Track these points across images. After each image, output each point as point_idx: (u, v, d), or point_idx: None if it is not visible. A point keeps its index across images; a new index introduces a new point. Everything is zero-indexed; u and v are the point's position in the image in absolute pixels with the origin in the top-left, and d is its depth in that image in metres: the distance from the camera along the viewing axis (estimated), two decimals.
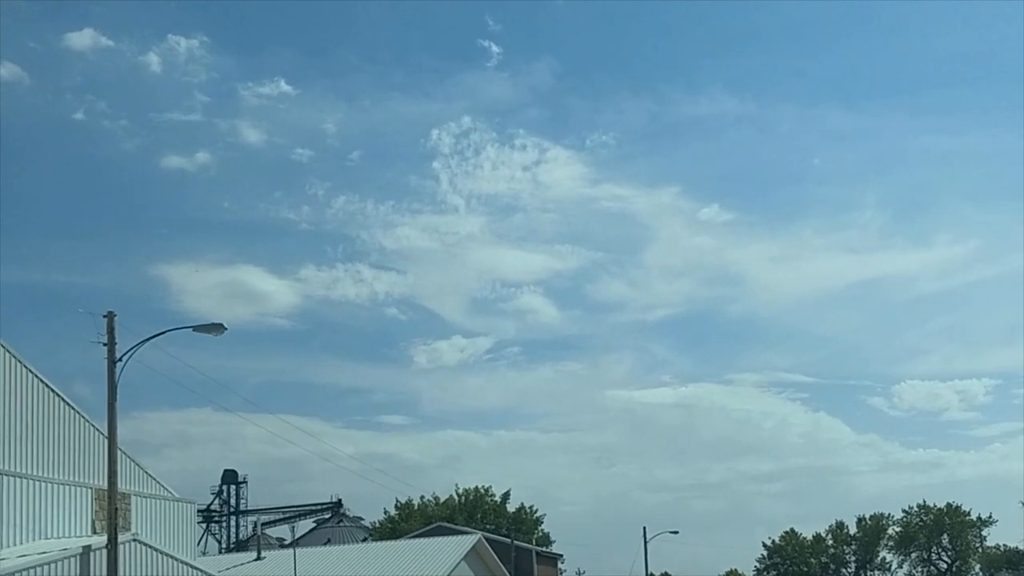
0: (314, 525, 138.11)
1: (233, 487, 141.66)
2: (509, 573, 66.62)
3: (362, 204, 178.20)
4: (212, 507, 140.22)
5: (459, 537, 56.62)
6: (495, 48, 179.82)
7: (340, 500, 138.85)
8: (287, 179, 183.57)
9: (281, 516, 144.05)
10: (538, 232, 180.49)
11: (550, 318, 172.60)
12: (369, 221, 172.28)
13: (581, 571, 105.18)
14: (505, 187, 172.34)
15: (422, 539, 60.45)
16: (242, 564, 50.70)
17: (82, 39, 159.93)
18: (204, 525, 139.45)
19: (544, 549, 76.96)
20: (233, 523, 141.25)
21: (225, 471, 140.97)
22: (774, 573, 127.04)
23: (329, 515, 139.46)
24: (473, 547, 55.07)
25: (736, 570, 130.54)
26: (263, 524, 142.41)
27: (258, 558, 51.76)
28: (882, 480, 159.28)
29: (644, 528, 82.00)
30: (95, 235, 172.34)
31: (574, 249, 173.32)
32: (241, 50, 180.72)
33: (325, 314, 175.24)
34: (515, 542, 68.09)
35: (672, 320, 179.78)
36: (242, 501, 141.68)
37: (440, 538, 58.04)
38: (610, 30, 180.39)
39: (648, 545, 76.61)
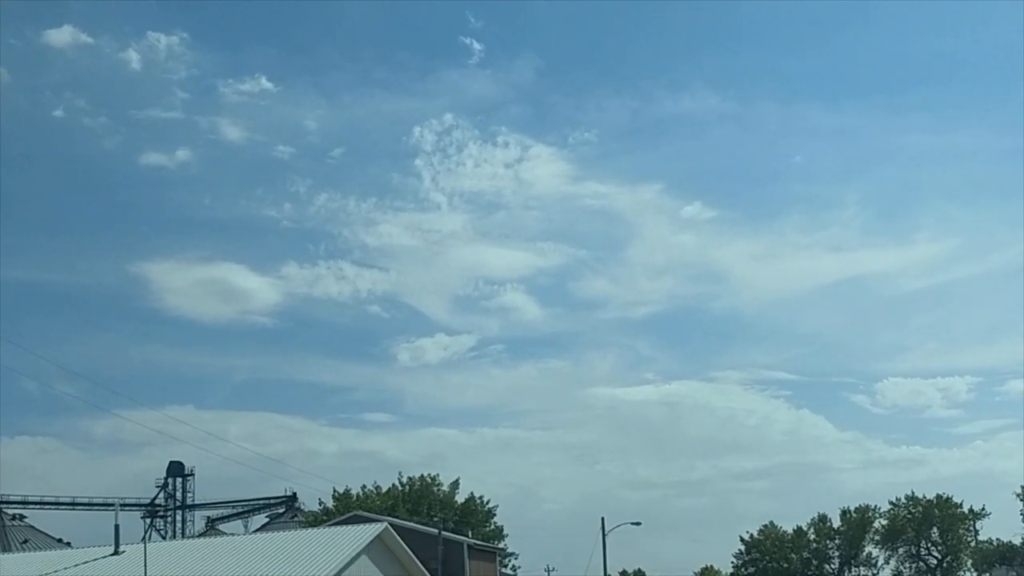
0: (267, 520, 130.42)
1: (179, 480, 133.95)
2: (436, 568, 58.61)
3: (344, 201, 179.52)
4: (156, 501, 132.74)
5: (362, 526, 48.65)
6: (477, 45, 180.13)
7: (295, 494, 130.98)
8: (268, 176, 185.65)
9: (233, 511, 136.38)
10: (521, 230, 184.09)
11: (533, 316, 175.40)
12: (351, 218, 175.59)
13: (550, 568, 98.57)
14: (487, 184, 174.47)
15: (321, 529, 52.66)
16: (93, 560, 42.64)
17: (62, 36, 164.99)
18: (148, 520, 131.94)
19: (480, 543, 68.78)
20: (179, 518, 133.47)
21: (171, 463, 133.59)
22: (752, 569, 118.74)
23: (283, 509, 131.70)
24: (378, 537, 46.98)
25: (712, 566, 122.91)
26: (214, 519, 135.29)
27: (115, 553, 43.67)
28: (865, 477, 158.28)
29: (603, 519, 76.51)
30: (75, 233, 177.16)
31: (557, 246, 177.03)
32: (221, 47, 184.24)
33: (307, 312, 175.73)
34: (443, 534, 59.96)
35: (655, 317, 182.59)
36: (189, 495, 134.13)
37: (341, 528, 50.18)
38: (592, 27, 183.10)
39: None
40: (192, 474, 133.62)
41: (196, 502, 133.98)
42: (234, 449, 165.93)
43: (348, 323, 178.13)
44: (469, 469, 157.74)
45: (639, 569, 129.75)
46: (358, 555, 44.40)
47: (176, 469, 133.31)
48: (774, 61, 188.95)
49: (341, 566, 42.49)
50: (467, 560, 60.23)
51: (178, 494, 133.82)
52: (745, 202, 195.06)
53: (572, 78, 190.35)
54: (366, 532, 46.48)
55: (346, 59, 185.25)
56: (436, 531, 59.28)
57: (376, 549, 47.10)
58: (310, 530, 54.18)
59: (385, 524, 48.09)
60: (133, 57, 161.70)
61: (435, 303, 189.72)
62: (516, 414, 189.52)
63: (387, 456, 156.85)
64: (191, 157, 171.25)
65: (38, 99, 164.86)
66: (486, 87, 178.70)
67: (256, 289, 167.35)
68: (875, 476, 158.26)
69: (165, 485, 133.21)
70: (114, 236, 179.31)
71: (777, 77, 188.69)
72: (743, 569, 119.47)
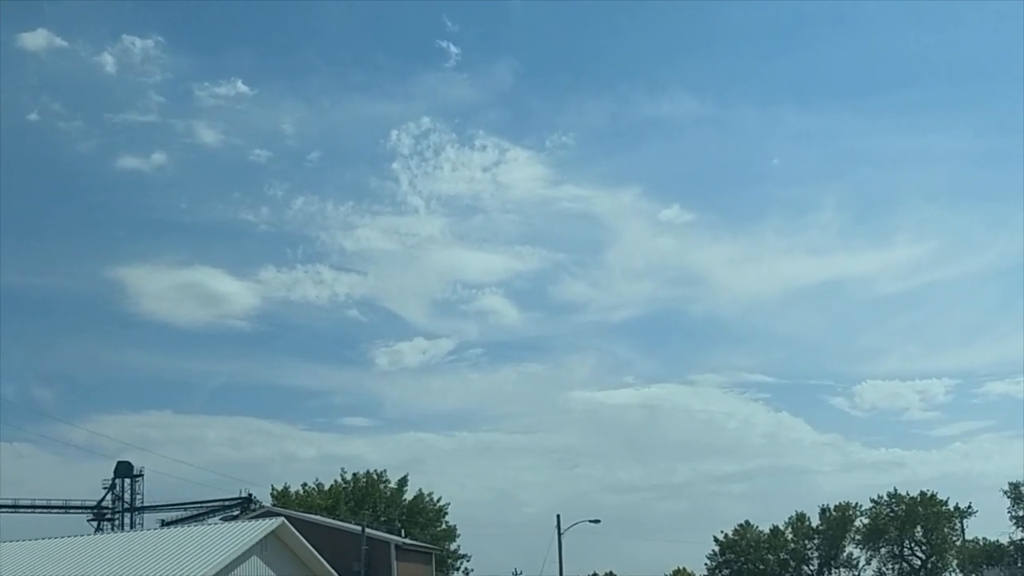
0: (221, 522, 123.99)
1: (128, 481, 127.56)
2: (358, 571, 52.72)
3: (322, 205, 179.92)
4: (104, 503, 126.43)
5: (254, 522, 42.90)
6: (454, 49, 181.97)
7: (250, 495, 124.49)
8: (245, 180, 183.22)
9: (186, 513, 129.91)
10: (499, 233, 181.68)
11: (512, 319, 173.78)
12: (329, 222, 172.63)
13: (518, 571, 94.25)
14: (465, 188, 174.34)
15: (210, 526, 46.98)
16: None
17: (36, 39, 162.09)
18: (95, 523, 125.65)
19: (414, 542, 62.67)
20: (128, 520, 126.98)
21: (119, 463, 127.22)
22: (726, 571, 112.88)
23: (238, 511, 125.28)
24: (273, 533, 41.11)
25: (684, 568, 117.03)
26: (169, 523, 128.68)
27: None
28: (844, 480, 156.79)
29: (558, 516, 71.24)
30: (50, 237, 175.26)
31: (535, 250, 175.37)
32: (197, 50, 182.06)
33: (285, 316, 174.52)
34: (367, 532, 54.02)
35: (634, 321, 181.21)
36: (138, 496, 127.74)
37: (232, 524, 44.52)
38: (570, 31, 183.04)
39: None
40: (141, 475, 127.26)
41: (146, 504, 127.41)
42: (214, 455, 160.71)
43: (326, 327, 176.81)
44: (448, 473, 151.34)
45: (610, 572, 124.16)
46: (244, 553, 38.57)
47: (124, 470, 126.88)
48: (752, 64, 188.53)
49: (222, 566, 36.61)
50: (395, 561, 54.17)
51: (126, 496, 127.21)
52: (723, 205, 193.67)
53: (549, 81, 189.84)
54: (257, 529, 40.55)
55: (323, 62, 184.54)
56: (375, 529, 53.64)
57: (272, 547, 41.32)
58: (198, 527, 48.48)
59: (281, 520, 42.22)
60: (108, 60, 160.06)
61: (413, 307, 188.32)
62: (495, 418, 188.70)
63: (367, 460, 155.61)
64: (167, 161, 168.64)
65: (13, 103, 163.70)
66: (463, 90, 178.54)
67: (234, 293, 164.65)
68: (854, 478, 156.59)
69: (113, 486, 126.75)
70: (90, 240, 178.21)
71: (755, 80, 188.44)
72: (717, 571, 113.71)
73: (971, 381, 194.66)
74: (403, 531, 64.82)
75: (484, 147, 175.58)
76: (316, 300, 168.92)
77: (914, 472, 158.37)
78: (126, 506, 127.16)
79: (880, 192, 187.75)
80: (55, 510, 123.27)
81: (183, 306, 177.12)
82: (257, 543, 39.59)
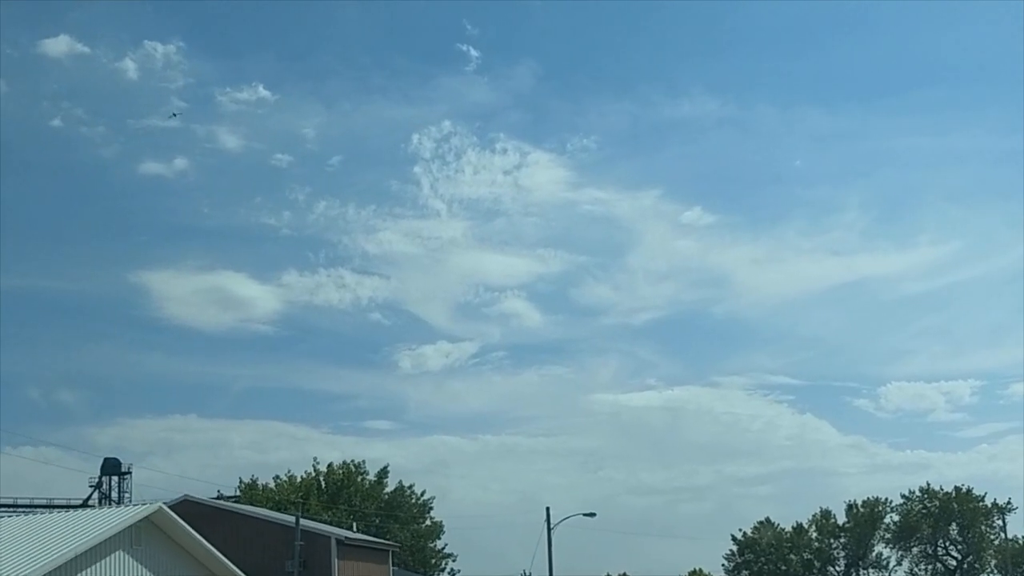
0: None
1: (115, 479, 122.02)
2: (291, 572, 45.82)
3: (343, 209, 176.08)
4: (90, 502, 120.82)
5: (124, 508, 36.31)
6: (474, 52, 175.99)
7: None
8: (267, 184, 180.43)
9: None
10: (521, 236, 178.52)
11: (535, 322, 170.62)
12: (351, 226, 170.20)
13: (527, 572, 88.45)
14: (487, 191, 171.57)
15: (74, 512, 40.55)
16: None
17: (58, 45, 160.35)
18: None
19: (366, 538, 55.59)
20: None
21: (106, 459, 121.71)
22: (746, 572, 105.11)
23: None
24: (149, 521, 34.36)
25: (700, 569, 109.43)
26: None
27: None
28: (869, 482, 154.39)
29: (548, 509, 66.45)
30: (74, 242, 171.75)
31: (557, 253, 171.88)
32: (218, 55, 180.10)
33: (308, 320, 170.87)
34: (304, 525, 47.08)
35: (657, 323, 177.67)
36: (125, 494, 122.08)
37: (102, 510, 37.82)
38: (590, 32, 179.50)
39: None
40: (129, 472, 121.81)
41: (133, 502, 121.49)
42: (239, 459, 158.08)
43: (349, 331, 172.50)
44: (472, 476, 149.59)
45: (624, 573, 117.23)
46: (101, 546, 31.80)
47: (111, 467, 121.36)
48: (772, 65, 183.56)
49: (58, 564, 29.69)
50: (335, 559, 47.12)
51: (113, 494, 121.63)
52: (745, 207, 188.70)
53: (570, 84, 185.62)
54: (124, 516, 33.66)
55: (343, 66, 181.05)
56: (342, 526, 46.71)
57: (148, 538, 34.57)
58: (58, 513, 41.94)
59: (158, 505, 35.64)
60: (130, 66, 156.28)
61: (436, 310, 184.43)
62: (519, 421, 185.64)
63: (391, 464, 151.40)
64: (189, 166, 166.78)
65: (36, 109, 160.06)
66: (484, 94, 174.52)
67: (257, 297, 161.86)
68: (879, 480, 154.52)
69: (99, 484, 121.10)
70: (113, 245, 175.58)
71: (775, 80, 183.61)
72: (736, 572, 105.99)
73: (996, 382, 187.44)
74: (356, 526, 57.64)
75: (505, 150, 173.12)
76: (339, 304, 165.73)
77: (940, 474, 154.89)
78: (114, 504, 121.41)
79: (903, 192, 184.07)
80: (39, 509, 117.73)
81: (207, 310, 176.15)
82: (121, 533, 32.85)
